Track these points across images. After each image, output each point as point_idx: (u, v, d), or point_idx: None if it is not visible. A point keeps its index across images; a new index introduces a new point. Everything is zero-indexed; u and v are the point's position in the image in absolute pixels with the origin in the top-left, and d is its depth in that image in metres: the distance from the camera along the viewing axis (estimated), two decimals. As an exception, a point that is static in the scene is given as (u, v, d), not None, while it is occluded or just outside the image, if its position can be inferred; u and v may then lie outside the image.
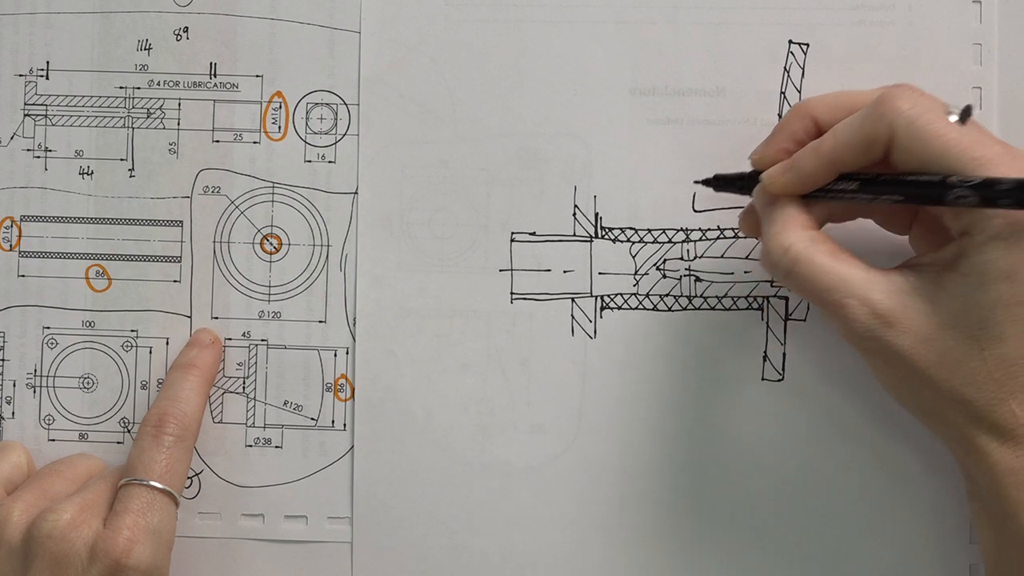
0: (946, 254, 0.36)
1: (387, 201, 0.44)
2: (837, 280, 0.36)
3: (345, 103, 0.45)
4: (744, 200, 0.40)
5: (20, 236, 0.45)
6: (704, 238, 0.44)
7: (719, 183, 0.41)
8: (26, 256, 0.45)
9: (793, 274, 0.37)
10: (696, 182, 0.42)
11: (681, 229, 0.44)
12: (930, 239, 0.39)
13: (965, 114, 0.36)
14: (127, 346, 0.45)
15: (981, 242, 0.35)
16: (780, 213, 0.38)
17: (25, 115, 0.45)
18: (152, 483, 0.40)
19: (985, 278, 0.35)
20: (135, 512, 0.39)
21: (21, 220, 0.45)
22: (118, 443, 0.45)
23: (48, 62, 0.45)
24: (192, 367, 0.43)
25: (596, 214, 0.44)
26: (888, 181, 0.37)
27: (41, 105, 0.45)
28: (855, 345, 0.37)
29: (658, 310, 0.44)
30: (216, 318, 0.45)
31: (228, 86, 0.45)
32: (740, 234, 0.44)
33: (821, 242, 0.37)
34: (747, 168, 0.40)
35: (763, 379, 0.44)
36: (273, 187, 0.45)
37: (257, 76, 0.45)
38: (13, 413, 0.45)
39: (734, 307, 0.44)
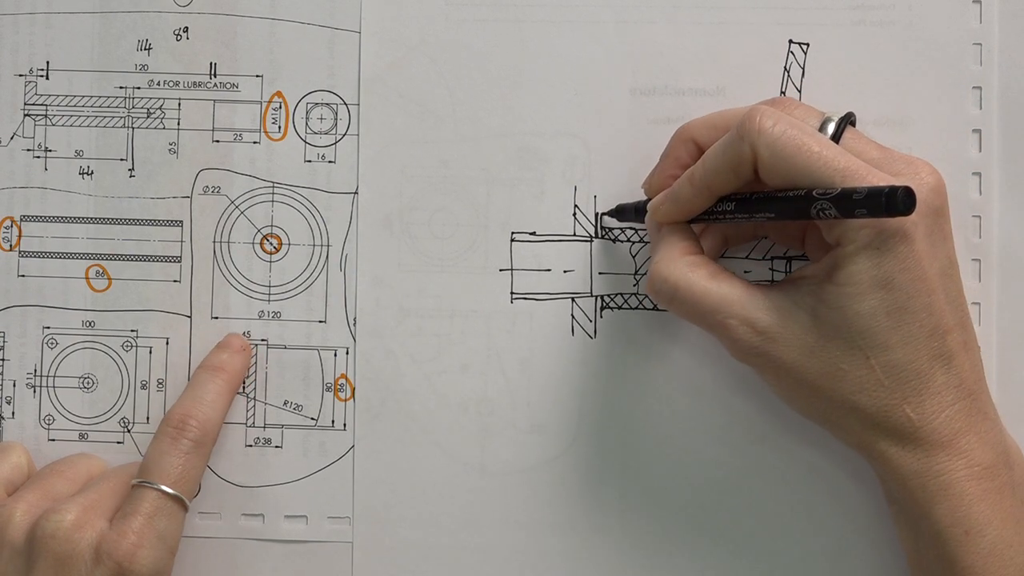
0: (823, 266, 0.36)
1: (387, 201, 0.44)
2: (718, 301, 0.37)
3: (345, 103, 0.45)
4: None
5: (20, 236, 0.45)
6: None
7: (621, 214, 0.43)
8: (26, 256, 0.45)
9: (676, 301, 0.38)
10: (602, 215, 0.43)
11: (620, 229, 0.44)
12: (822, 252, 0.39)
13: (844, 123, 0.37)
14: (127, 346, 0.45)
15: (852, 252, 0.35)
16: (663, 243, 0.39)
17: (25, 115, 0.45)
18: (164, 488, 0.40)
19: (860, 288, 0.35)
20: (144, 516, 0.39)
21: (21, 220, 0.45)
22: (118, 443, 0.45)
23: (48, 62, 0.45)
24: (221, 370, 0.43)
25: (596, 214, 0.44)
26: (760, 199, 0.37)
27: (41, 105, 0.45)
28: (744, 362, 0.37)
29: (658, 310, 0.44)
30: (216, 318, 0.45)
31: (228, 86, 0.45)
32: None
33: (700, 266, 0.38)
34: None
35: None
36: (273, 187, 0.45)
37: (257, 76, 0.45)
38: (13, 413, 0.45)
39: (734, 307, 0.44)
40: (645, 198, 0.42)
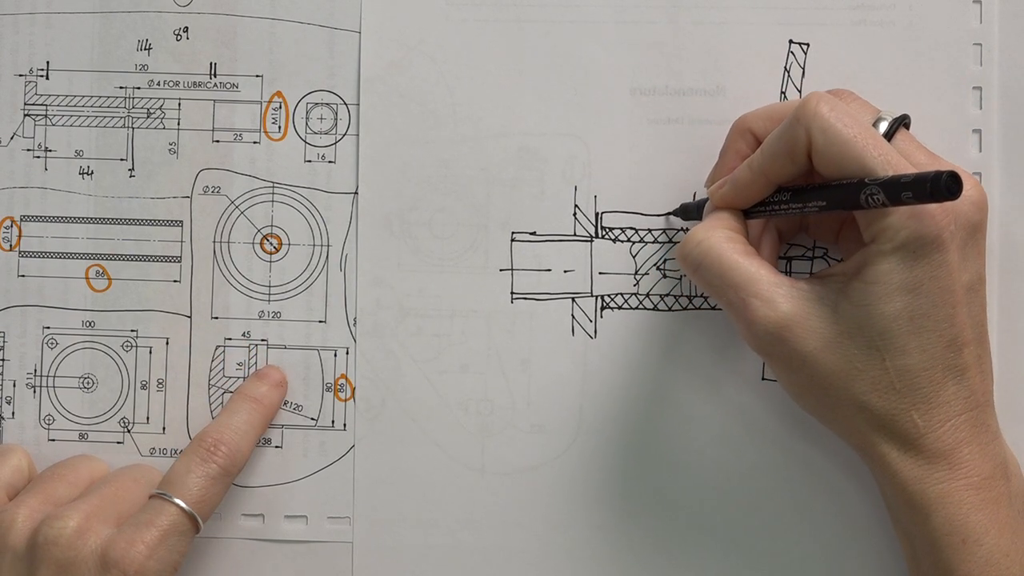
0: (853, 263, 0.36)
1: (387, 201, 0.44)
2: (744, 278, 0.37)
3: (345, 103, 0.45)
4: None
5: (20, 236, 0.45)
6: (704, 238, 0.44)
7: (685, 212, 0.43)
8: (26, 256, 0.45)
9: (702, 268, 0.38)
10: (666, 215, 0.43)
11: (682, 229, 0.44)
12: (854, 251, 0.39)
13: (897, 123, 0.37)
14: (127, 346, 0.45)
15: (887, 251, 0.35)
16: (708, 216, 0.39)
17: (25, 115, 0.45)
18: (184, 505, 0.39)
19: (888, 288, 0.35)
20: (159, 529, 0.39)
21: (21, 220, 0.45)
22: (118, 443, 0.45)
23: (48, 62, 0.45)
24: (258, 403, 0.43)
25: (596, 214, 0.44)
26: (814, 188, 0.37)
27: (41, 105, 0.45)
28: (757, 349, 0.37)
29: (658, 310, 0.44)
30: (216, 318, 0.45)
31: (228, 86, 0.45)
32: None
33: (736, 241, 0.38)
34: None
35: (763, 379, 0.44)
36: (273, 187, 0.45)
37: (257, 76, 0.45)
38: (13, 413, 0.45)
39: (734, 307, 0.44)
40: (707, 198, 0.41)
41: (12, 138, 0.45)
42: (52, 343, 0.45)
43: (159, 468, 0.44)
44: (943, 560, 0.36)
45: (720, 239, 0.38)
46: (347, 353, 0.45)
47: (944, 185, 0.32)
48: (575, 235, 0.44)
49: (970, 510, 0.36)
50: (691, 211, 0.42)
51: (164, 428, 0.45)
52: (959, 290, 0.35)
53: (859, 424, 0.37)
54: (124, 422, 0.45)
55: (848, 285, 0.36)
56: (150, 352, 0.45)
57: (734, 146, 0.40)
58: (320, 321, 0.45)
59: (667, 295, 0.44)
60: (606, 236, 0.44)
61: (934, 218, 0.34)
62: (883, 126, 0.37)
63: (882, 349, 0.35)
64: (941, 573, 0.36)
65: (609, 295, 0.44)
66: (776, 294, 0.36)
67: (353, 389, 0.44)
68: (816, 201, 0.37)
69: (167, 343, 0.45)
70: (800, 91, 0.43)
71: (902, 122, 0.37)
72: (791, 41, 0.43)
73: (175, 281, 0.45)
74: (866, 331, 0.35)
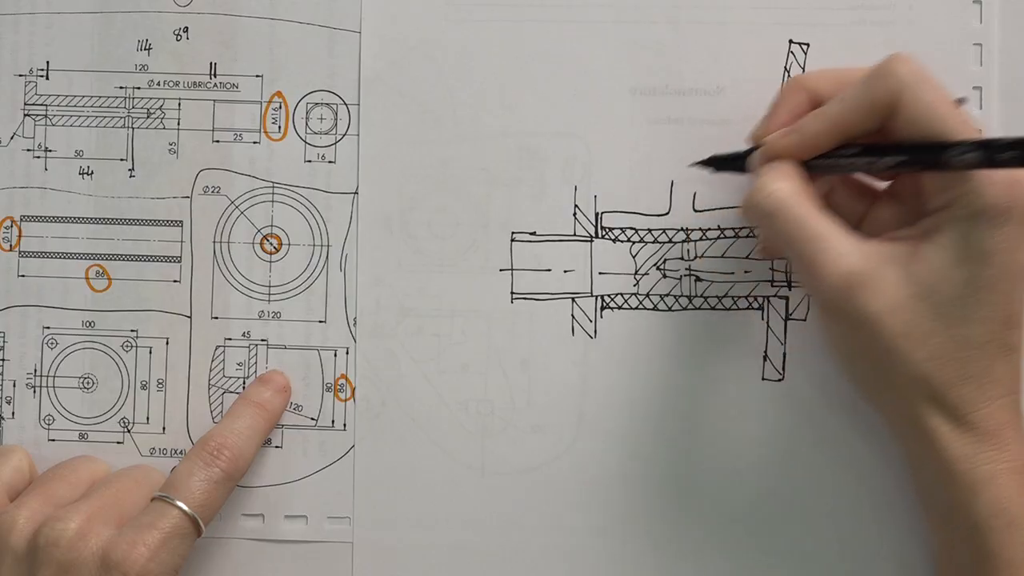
0: (924, 226, 0.36)
1: (387, 201, 0.44)
2: (818, 231, 0.36)
3: (345, 103, 0.45)
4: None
5: (20, 236, 0.45)
6: (704, 238, 0.44)
7: (717, 163, 0.41)
8: (26, 256, 0.45)
9: (774, 217, 0.37)
10: (692, 165, 0.42)
11: (681, 229, 0.44)
12: (891, 219, 0.39)
13: (959, 103, 0.37)
14: (127, 346, 0.45)
15: (962, 217, 0.35)
16: (774, 165, 0.38)
17: (25, 115, 0.45)
18: (186, 509, 0.39)
19: (963, 254, 0.35)
20: (161, 531, 0.38)
21: (21, 220, 0.45)
22: (118, 443, 0.45)
23: (48, 62, 0.45)
24: (262, 408, 0.43)
25: (596, 214, 0.44)
26: (890, 145, 0.37)
27: (41, 105, 0.45)
28: (824, 306, 0.37)
29: (658, 310, 0.44)
30: (216, 318, 0.45)
31: (228, 86, 0.45)
32: (740, 234, 0.44)
33: (808, 195, 0.37)
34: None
35: (763, 379, 0.44)
36: (273, 187, 0.45)
37: (257, 76, 0.45)
38: (13, 413, 0.45)
39: (734, 307, 0.44)
40: (741, 149, 0.40)
41: (12, 138, 0.45)
42: (52, 343, 0.45)
43: (160, 468, 0.44)
44: (986, 544, 0.35)
45: (794, 190, 0.37)
46: (347, 353, 0.45)
47: None
48: (575, 235, 0.44)
49: (1015, 493, 0.35)
50: (724, 161, 0.41)
51: (164, 428, 0.45)
52: (1020, 267, 0.36)
53: (912, 395, 0.36)
54: (124, 422, 0.45)
55: (920, 248, 0.36)
56: (150, 352, 0.45)
57: (791, 101, 0.39)
58: (320, 321, 0.45)
59: (667, 295, 0.44)
60: (606, 236, 0.44)
61: (1010, 189, 0.35)
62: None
63: (948, 316, 0.35)
64: (980, 559, 0.36)
65: (609, 295, 0.44)
66: (850, 249, 0.36)
67: (353, 389, 0.44)
68: (894, 157, 0.36)
69: (167, 343, 0.45)
70: (800, 91, 0.43)
71: (962, 102, 0.37)
72: (791, 41, 0.43)
73: (175, 281, 0.45)
74: (935, 296, 0.35)
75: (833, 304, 0.36)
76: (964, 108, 0.37)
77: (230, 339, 0.45)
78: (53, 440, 0.45)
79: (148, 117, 0.45)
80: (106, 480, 0.42)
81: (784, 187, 0.37)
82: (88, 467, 0.43)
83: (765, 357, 0.43)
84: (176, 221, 0.45)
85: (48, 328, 0.45)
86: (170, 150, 0.45)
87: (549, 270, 0.44)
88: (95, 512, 0.39)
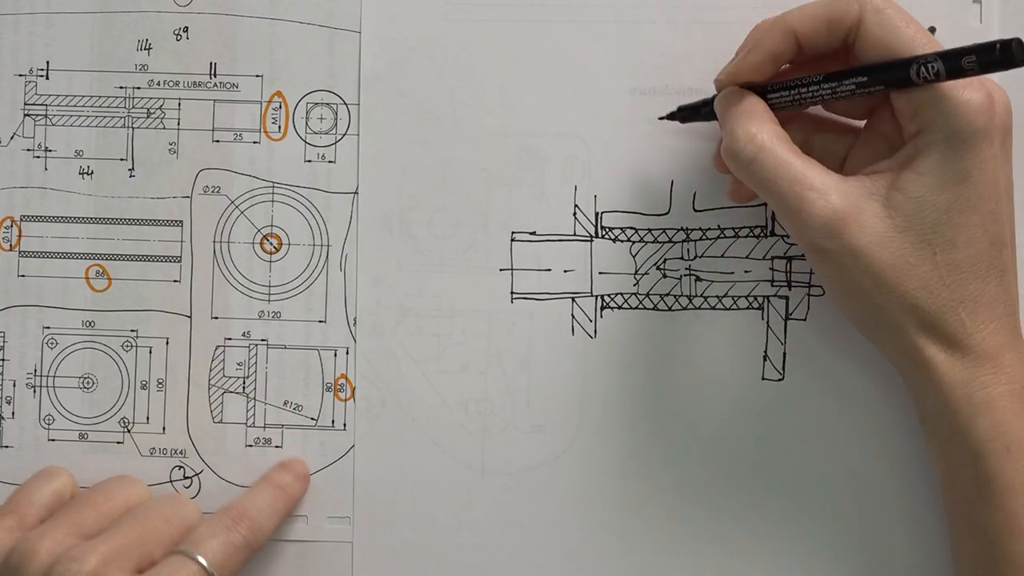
0: (900, 157, 0.36)
1: (387, 201, 0.44)
2: (799, 173, 0.36)
3: (345, 103, 0.45)
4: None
5: (20, 236, 0.45)
6: (704, 238, 0.44)
7: (684, 113, 0.42)
8: (26, 256, 0.45)
9: (756, 162, 0.37)
10: (661, 118, 0.42)
11: (681, 229, 0.44)
12: (874, 153, 0.39)
13: (931, 31, 0.37)
14: (127, 346, 0.45)
15: (938, 140, 0.35)
16: (747, 106, 0.38)
17: (25, 115, 0.45)
18: (206, 565, 0.38)
19: (941, 178, 0.35)
20: None
21: (21, 220, 0.45)
22: (118, 443, 0.45)
23: (48, 62, 0.45)
24: (284, 491, 0.43)
25: (596, 214, 0.44)
26: (853, 69, 0.37)
27: (41, 105, 0.45)
28: (810, 247, 0.37)
29: (658, 310, 0.44)
30: (216, 318, 0.45)
31: (228, 86, 0.45)
32: (740, 234, 0.44)
33: (785, 139, 0.37)
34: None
35: (763, 379, 0.44)
36: (273, 187, 0.45)
37: (257, 76, 0.45)
38: (13, 413, 0.45)
39: (734, 307, 0.44)
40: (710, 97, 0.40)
41: (12, 138, 0.45)
42: (52, 343, 0.45)
43: (160, 468, 0.44)
44: (984, 468, 0.36)
45: (773, 134, 0.37)
46: (347, 353, 0.45)
47: (1016, 49, 0.31)
48: (575, 235, 0.44)
49: (1014, 417, 0.35)
50: (692, 110, 0.41)
51: (164, 428, 0.45)
52: (1001, 186, 0.36)
53: (906, 325, 0.36)
54: (124, 422, 0.45)
55: (898, 177, 0.36)
56: (150, 352, 0.45)
57: (768, 44, 0.38)
58: (320, 321, 0.45)
59: (667, 295, 0.44)
60: (606, 236, 0.44)
61: (983, 108, 0.35)
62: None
63: (933, 243, 0.35)
64: (981, 483, 0.36)
65: (609, 295, 0.44)
66: (831, 188, 0.36)
67: (353, 389, 0.44)
68: (854, 78, 0.36)
69: (167, 343, 0.45)
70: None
71: (931, 30, 0.37)
72: (791, 41, 0.43)
73: (175, 281, 0.45)
74: (917, 224, 0.35)
75: (819, 244, 0.36)
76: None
77: (230, 339, 0.45)
78: (53, 440, 0.45)
79: (148, 117, 0.45)
80: (136, 513, 0.40)
81: (763, 129, 0.37)
82: (124, 493, 0.42)
83: (765, 357, 0.43)
84: (176, 221, 0.45)
85: (48, 328, 0.45)
86: (170, 150, 0.45)
87: (549, 270, 0.44)
88: (115, 553, 0.38)
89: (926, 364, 0.36)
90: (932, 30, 0.37)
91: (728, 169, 0.39)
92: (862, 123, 0.40)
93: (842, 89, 0.37)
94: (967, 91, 0.35)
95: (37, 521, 0.40)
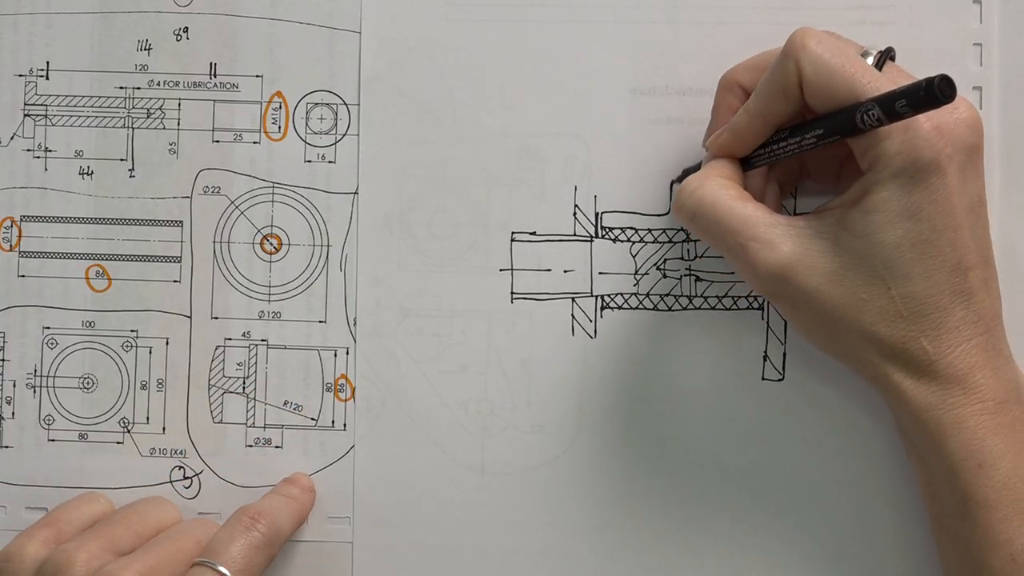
0: (851, 195, 0.36)
1: (387, 201, 0.44)
2: (741, 222, 0.37)
3: (345, 103, 0.45)
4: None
5: (20, 236, 0.45)
6: (704, 238, 0.44)
7: (687, 175, 0.42)
8: (26, 256, 0.45)
9: (697, 216, 0.37)
10: (671, 183, 0.43)
11: (681, 229, 0.44)
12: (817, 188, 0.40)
13: (883, 56, 0.37)
14: (127, 346, 0.45)
15: (885, 178, 0.35)
16: (703, 167, 0.39)
17: (25, 115, 0.45)
18: (228, 574, 0.38)
19: (888, 216, 0.35)
20: None
21: (21, 220, 0.45)
22: (118, 443, 0.45)
23: (48, 62, 0.45)
24: (295, 503, 0.43)
25: (596, 214, 0.44)
26: (809, 121, 0.37)
27: (41, 105, 0.45)
28: (761, 291, 0.37)
29: (658, 310, 0.44)
30: (216, 318, 0.45)
31: (228, 86, 0.45)
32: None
33: (730, 188, 0.38)
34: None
35: (763, 379, 0.44)
36: (273, 187, 0.45)
37: (257, 76, 0.45)
38: (13, 413, 0.45)
39: (734, 307, 0.44)
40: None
41: (12, 138, 0.45)
42: (52, 343, 0.45)
43: (161, 469, 0.44)
44: (959, 485, 0.36)
45: (714, 187, 0.37)
46: (347, 353, 0.45)
47: (938, 88, 0.31)
48: (575, 235, 0.44)
49: (985, 434, 0.35)
50: (691, 173, 0.42)
51: (164, 428, 0.45)
52: (961, 213, 0.35)
53: (870, 355, 0.36)
54: (124, 422, 0.45)
55: (847, 216, 0.36)
56: (150, 352, 0.45)
57: (724, 101, 0.40)
58: (320, 321, 0.45)
59: (667, 295, 0.44)
60: (606, 236, 0.44)
61: (929, 141, 0.34)
62: (869, 60, 0.37)
63: (886, 278, 0.35)
64: (958, 499, 0.36)
65: (609, 295, 0.44)
66: (774, 234, 0.36)
67: (353, 389, 0.44)
68: (813, 131, 0.36)
69: (167, 343, 0.45)
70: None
71: (888, 55, 0.37)
72: (791, 41, 0.43)
73: (175, 281, 0.45)
74: (868, 261, 0.35)
75: (769, 289, 0.37)
76: (892, 64, 0.37)
77: (230, 339, 0.45)
78: (53, 440, 0.45)
79: (148, 117, 0.45)
80: (169, 534, 0.41)
81: (705, 185, 0.38)
82: (157, 514, 0.43)
83: (765, 357, 0.44)
84: (176, 221, 0.45)
85: (48, 328, 0.45)
86: (170, 150, 0.45)
87: (549, 270, 0.44)
88: (149, 570, 0.38)
89: (894, 388, 0.37)
90: (888, 51, 0.37)
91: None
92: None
93: (806, 142, 0.37)
94: (912, 126, 0.34)
95: (72, 537, 0.41)
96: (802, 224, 0.37)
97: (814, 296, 0.36)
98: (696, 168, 0.41)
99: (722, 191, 0.37)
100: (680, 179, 0.43)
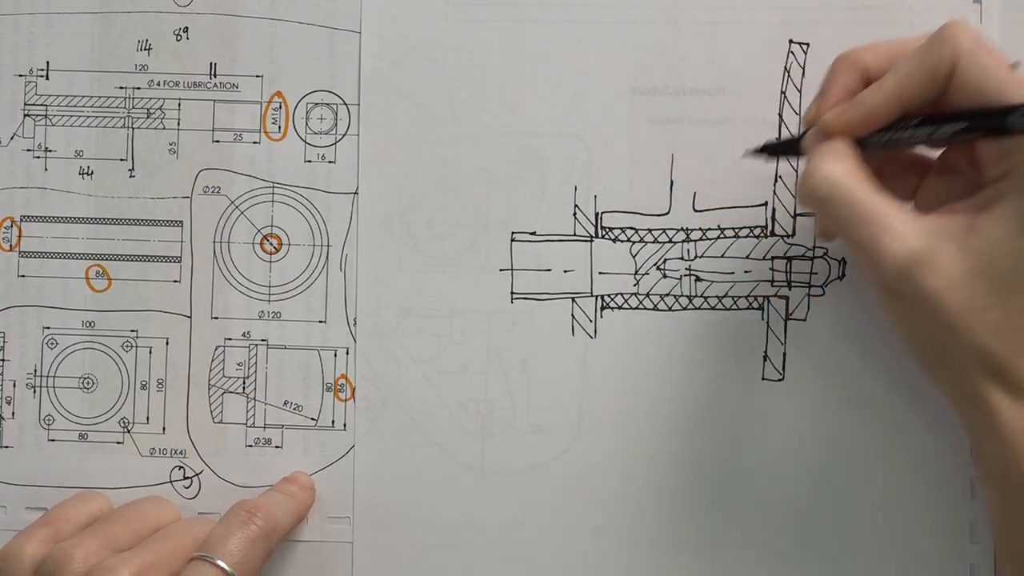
0: (982, 198, 0.36)
1: (387, 201, 0.44)
2: (874, 212, 0.36)
3: (345, 103, 0.45)
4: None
5: (20, 236, 0.45)
6: (704, 238, 0.44)
7: (771, 149, 0.41)
8: (26, 256, 0.45)
9: (830, 201, 0.36)
10: (745, 155, 0.41)
11: (681, 229, 0.44)
12: (944, 191, 0.38)
13: (1014, 66, 0.36)
14: (127, 346, 0.45)
15: (1021, 186, 0.34)
16: (827, 145, 0.37)
17: (25, 115, 0.45)
18: (226, 567, 0.39)
19: (1020, 225, 0.34)
20: None
21: (21, 220, 0.45)
22: (118, 443, 0.45)
23: (48, 62, 0.45)
24: (293, 500, 0.43)
25: (596, 214, 0.44)
26: (951, 113, 0.36)
27: (41, 105, 0.45)
28: (882, 287, 0.36)
29: (658, 310, 0.44)
30: (216, 318, 0.45)
31: (228, 86, 0.45)
32: (740, 234, 0.44)
33: (864, 176, 0.37)
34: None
35: (763, 379, 0.44)
36: (273, 187, 0.45)
37: (257, 76, 0.45)
38: (13, 413, 0.45)
39: (734, 307, 0.44)
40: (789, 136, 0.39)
41: (12, 138, 0.45)
42: (52, 343, 0.45)
43: (162, 469, 0.44)
44: None
45: (847, 171, 0.36)
46: (347, 353, 0.45)
47: None
48: (575, 235, 0.44)
49: None
50: (778, 147, 0.41)
51: (164, 428, 0.45)
52: None
53: (972, 370, 0.36)
54: (124, 422, 0.45)
55: (976, 220, 0.35)
56: (150, 352, 0.45)
57: (842, 79, 0.38)
58: (320, 321, 0.45)
59: (667, 295, 0.44)
60: (606, 236, 0.44)
61: None
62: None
63: (1006, 289, 0.34)
64: None
65: (609, 295, 0.44)
66: (908, 228, 0.35)
67: (353, 389, 0.44)
68: (953, 124, 0.35)
69: (167, 343, 0.45)
70: (800, 91, 0.43)
71: (1016, 67, 0.36)
72: (791, 41, 0.43)
73: (175, 281, 0.45)
74: (993, 269, 0.34)
75: (893, 286, 0.36)
76: (1019, 72, 0.36)
77: (230, 339, 0.45)
78: (53, 440, 0.45)
79: (148, 117, 0.45)
80: (167, 532, 0.41)
81: (838, 169, 0.36)
82: (155, 513, 0.43)
83: (765, 357, 0.43)
84: (176, 221, 0.45)
85: (48, 328, 0.45)
86: (170, 150, 0.45)
87: (549, 270, 0.44)
88: (147, 567, 0.38)
89: (989, 409, 0.36)
90: (1015, 65, 0.36)
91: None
92: (935, 154, 0.40)
93: (939, 133, 0.36)
94: None
95: (71, 535, 0.41)
96: (933, 222, 0.36)
97: (936, 299, 0.35)
98: (783, 144, 0.40)
99: (856, 177, 0.36)
100: (761, 151, 0.41)
